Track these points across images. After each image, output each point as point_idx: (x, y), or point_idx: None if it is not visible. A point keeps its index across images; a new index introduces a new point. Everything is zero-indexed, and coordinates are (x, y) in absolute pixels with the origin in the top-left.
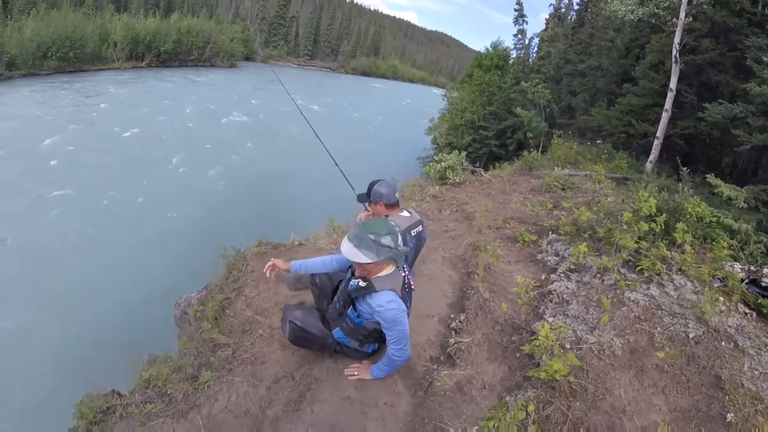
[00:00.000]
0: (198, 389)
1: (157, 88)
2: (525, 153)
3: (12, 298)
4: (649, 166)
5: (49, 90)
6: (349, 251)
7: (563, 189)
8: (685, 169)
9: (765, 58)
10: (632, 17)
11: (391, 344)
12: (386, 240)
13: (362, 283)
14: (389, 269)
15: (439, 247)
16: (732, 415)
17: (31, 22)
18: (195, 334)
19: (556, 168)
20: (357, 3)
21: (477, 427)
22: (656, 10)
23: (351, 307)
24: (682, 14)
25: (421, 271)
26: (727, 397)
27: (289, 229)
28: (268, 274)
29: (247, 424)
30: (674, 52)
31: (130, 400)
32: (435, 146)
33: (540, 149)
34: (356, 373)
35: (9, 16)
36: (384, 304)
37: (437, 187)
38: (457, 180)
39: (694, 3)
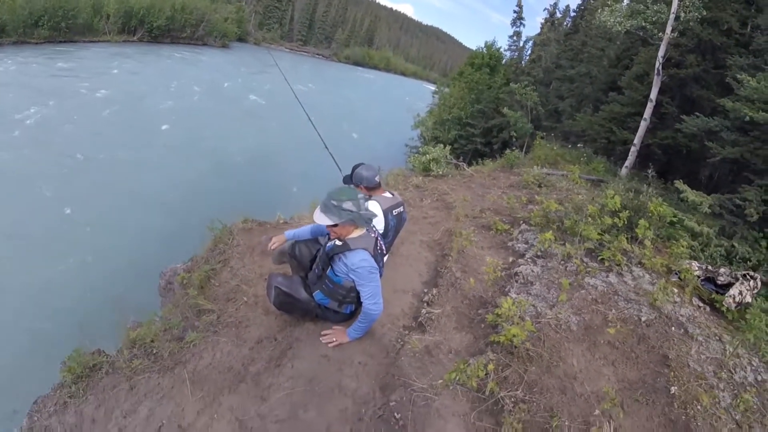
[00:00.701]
0: (184, 348)
1: (155, 64)
2: (508, 151)
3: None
4: (624, 170)
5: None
6: (317, 215)
7: (539, 186)
8: (653, 174)
9: (740, 77)
10: (620, 29)
11: (365, 299)
12: (347, 205)
13: (338, 242)
14: (360, 231)
15: (417, 231)
16: (676, 388)
17: None
18: (181, 301)
19: (535, 167)
20: None
21: (441, 380)
22: (644, 24)
23: (330, 267)
24: (668, 29)
25: (400, 252)
26: (672, 374)
27: (276, 208)
28: (271, 248)
29: (230, 378)
30: (657, 64)
31: (117, 358)
32: (421, 139)
33: (524, 149)
34: (334, 338)
35: None
36: (357, 262)
37: (420, 178)
38: (440, 172)
39: (682, 19)
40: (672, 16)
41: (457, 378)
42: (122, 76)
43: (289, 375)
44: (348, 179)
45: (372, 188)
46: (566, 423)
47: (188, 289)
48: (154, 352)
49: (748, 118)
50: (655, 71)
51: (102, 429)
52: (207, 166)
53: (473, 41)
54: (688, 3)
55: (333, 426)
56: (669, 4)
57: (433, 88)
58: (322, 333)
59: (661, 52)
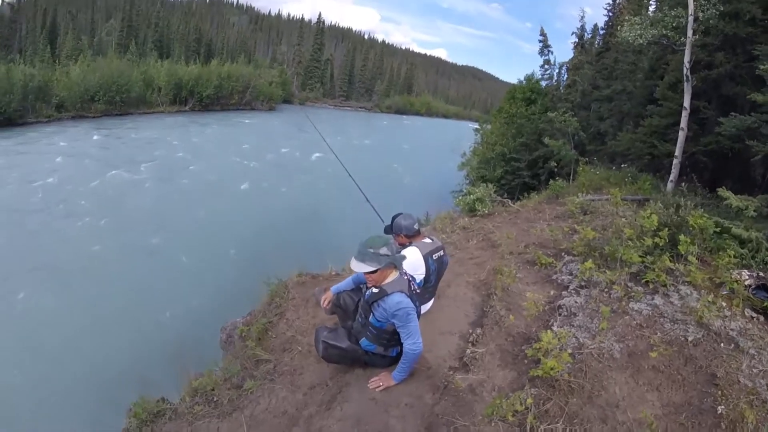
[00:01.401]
0: (242, 395)
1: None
2: (552, 182)
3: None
4: (670, 185)
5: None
6: (356, 266)
7: (584, 213)
8: (698, 184)
9: (764, 67)
10: (642, 41)
11: (405, 340)
12: (383, 250)
13: (375, 290)
14: (394, 275)
15: (463, 272)
16: (723, 407)
17: (78, 67)
18: (240, 352)
19: (579, 194)
20: (388, 43)
21: (481, 417)
22: (664, 32)
23: (371, 314)
24: (690, 32)
25: (446, 294)
26: (720, 392)
27: (327, 260)
28: (324, 305)
29: (284, 422)
30: (685, 70)
31: (179, 405)
32: (468, 180)
33: (571, 177)
34: (380, 383)
35: (57, 61)
36: (395, 304)
37: (467, 219)
38: (486, 211)
39: (701, 19)
40: (691, 18)
41: (494, 412)
42: (178, 143)
43: (338, 417)
44: (388, 229)
45: (411, 236)
46: None
47: (247, 341)
48: (215, 399)
49: None
50: (684, 78)
51: None
52: (261, 224)
53: (509, 74)
54: (703, 1)
55: None
56: (686, 7)
57: (475, 125)
58: (370, 380)
59: (687, 57)
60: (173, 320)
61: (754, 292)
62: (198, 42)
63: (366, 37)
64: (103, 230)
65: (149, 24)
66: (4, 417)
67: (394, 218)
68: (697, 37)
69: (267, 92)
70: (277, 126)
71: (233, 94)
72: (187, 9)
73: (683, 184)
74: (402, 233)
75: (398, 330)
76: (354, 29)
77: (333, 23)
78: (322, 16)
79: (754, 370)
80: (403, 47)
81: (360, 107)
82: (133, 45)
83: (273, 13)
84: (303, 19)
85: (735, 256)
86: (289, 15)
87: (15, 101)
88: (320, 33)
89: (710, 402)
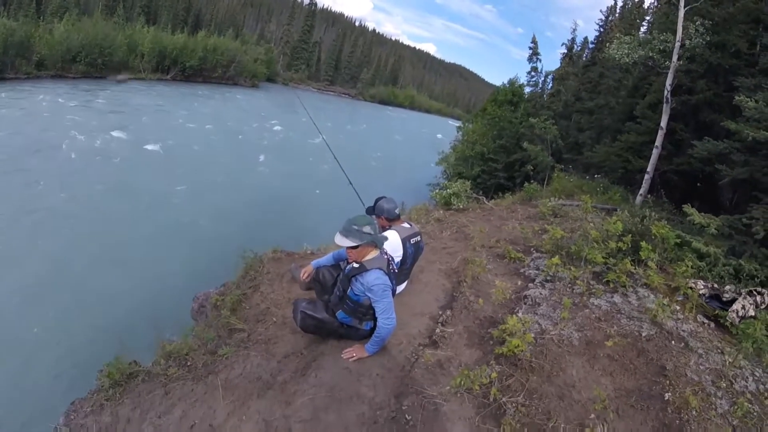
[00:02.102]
0: (216, 360)
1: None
2: (527, 185)
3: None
4: (639, 198)
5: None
6: (339, 240)
7: (555, 216)
8: (665, 200)
9: (739, 98)
10: (628, 60)
11: (379, 315)
12: (366, 229)
13: (356, 265)
14: (374, 253)
15: (436, 260)
16: (670, 394)
17: (63, 26)
18: (213, 321)
19: (552, 198)
20: (378, 32)
21: (449, 387)
22: (651, 54)
23: (349, 288)
24: (674, 57)
25: (419, 279)
26: (668, 382)
27: (302, 239)
28: (304, 278)
29: (259, 386)
30: (665, 93)
31: (153, 368)
32: (445, 175)
33: (545, 182)
34: (354, 354)
35: (42, 18)
36: (372, 280)
37: (442, 212)
38: (461, 206)
39: (687, 46)
40: (677, 44)
41: (462, 383)
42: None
43: (313, 383)
44: (371, 210)
45: (392, 219)
46: (562, 425)
47: (221, 310)
48: (189, 363)
49: (750, 138)
50: (664, 99)
51: (136, 428)
52: (240, 201)
53: (495, 77)
54: (692, 30)
55: (350, 428)
56: (674, 33)
57: (456, 124)
58: (344, 351)
59: (668, 81)
60: (143, 288)
61: (707, 300)
62: (186, 11)
63: (357, 24)
64: (77, 197)
65: None
66: None
67: (376, 201)
68: (681, 62)
69: (251, 69)
70: (264, 104)
71: (217, 68)
72: None
73: (649, 197)
74: (383, 216)
75: (373, 305)
76: (346, 15)
77: (325, 6)
78: None
79: (701, 367)
80: (393, 38)
81: (344, 93)
82: (120, 8)
83: None
84: None
85: (692, 267)
86: None
87: None
88: (311, 15)
89: (659, 389)
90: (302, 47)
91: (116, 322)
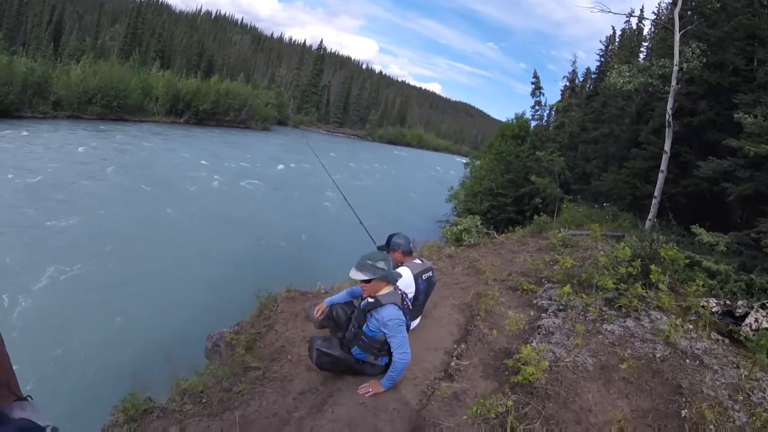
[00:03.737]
0: (232, 397)
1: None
2: (536, 217)
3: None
4: (648, 223)
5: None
6: (353, 273)
7: (565, 246)
8: (674, 223)
9: (738, 115)
10: (629, 87)
11: (395, 350)
12: (380, 264)
13: (371, 300)
14: (388, 288)
15: (449, 296)
16: (686, 411)
17: (80, 67)
18: (228, 359)
19: (562, 229)
20: (385, 74)
21: (465, 417)
22: (650, 80)
23: (365, 324)
24: (674, 81)
25: (432, 315)
26: (684, 400)
27: (316, 279)
28: (318, 316)
29: (275, 423)
30: (667, 117)
31: (168, 405)
32: (455, 212)
33: (555, 214)
34: (370, 389)
35: (59, 59)
36: (387, 315)
37: (453, 248)
38: (472, 241)
39: (686, 69)
40: (676, 68)
41: (479, 412)
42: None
43: (330, 419)
44: (384, 246)
45: (406, 254)
46: None
47: (236, 348)
48: (204, 400)
49: (752, 154)
50: (666, 123)
51: None
52: (253, 241)
53: (500, 113)
54: (689, 54)
55: None
56: (673, 57)
57: (464, 160)
58: (360, 386)
59: (669, 105)
60: (159, 327)
61: (720, 317)
62: (200, 56)
63: (364, 66)
64: (101, 234)
65: (153, 33)
66: None
67: (390, 237)
68: (680, 86)
69: (263, 112)
70: (276, 148)
71: (229, 111)
72: (191, 22)
73: (657, 221)
74: (399, 249)
75: (389, 340)
76: (353, 58)
77: (333, 51)
78: (323, 43)
79: (717, 383)
80: (399, 79)
81: (353, 135)
82: (136, 52)
83: (275, 36)
84: (305, 44)
85: (704, 286)
86: (290, 39)
87: (13, 93)
88: (320, 59)
89: (675, 407)
90: (311, 90)
91: (129, 360)
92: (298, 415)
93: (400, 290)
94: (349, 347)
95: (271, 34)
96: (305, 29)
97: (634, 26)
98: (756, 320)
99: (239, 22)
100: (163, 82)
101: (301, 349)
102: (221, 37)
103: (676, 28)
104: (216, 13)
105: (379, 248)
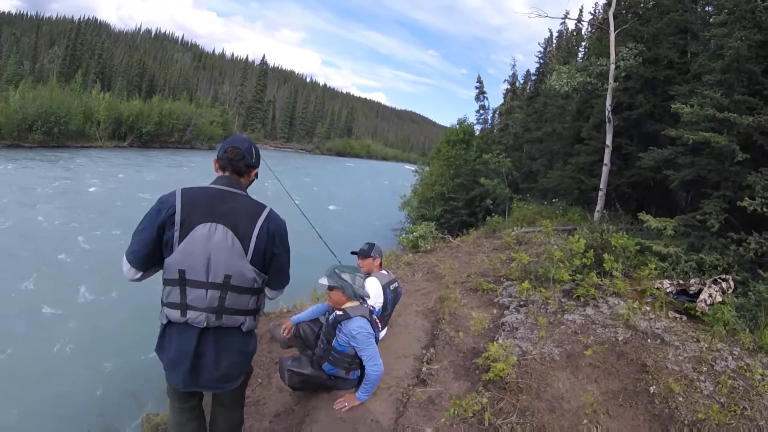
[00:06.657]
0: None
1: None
2: (489, 218)
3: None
4: (597, 215)
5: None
6: (321, 279)
7: (519, 244)
8: (622, 212)
9: (674, 106)
10: (567, 89)
11: (366, 362)
12: (345, 276)
13: (339, 312)
14: (355, 303)
15: (412, 303)
16: (654, 387)
17: (18, 93)
18: None
19: (515, 228)
20: (329, 86)
21: (443, 419)
22: (589, 79)
23: (334, 338)
24: (611, 79)
25: (398, 323)
26: (650, 377)
27: (278, 299)
28: (285, 335)
29: None
30: (607, 113)
31: None
32: (409, 219)
33: (506, 213)
34: (346, 403)
35: None
36: (356, 327)
37: (411, 255)
38: (428, 247)
39: (622, 67)
40: (612, 66)
41: (456, 412)
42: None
43: None
44: (366, 252)
45: (380, 263)
46: None
47: None
48: None
49: (691, 142)
50: (606, 119)
51: None
52: None
53: (445, 118)
54: (625, 52)
55: None
56: (609, 56)
57: (412, 167)
58: (336, 402)
59: (608, 101)
60: (122, 358)
61: (675, 296)
62: (141, 76)
63: (308, 80)
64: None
65: (92, 54)
66: None
67: (372, 245)
68: (618, 83)
69: (208, 131)
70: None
71: (173, 132)
72: (131, 42)
73: (605, 212)
74: (379, 258)
75: (359, 354)
76: (296, 72)
77: (276, 65)
78: (266, 58)
79: (680, 357)
80: (344, 91)
81: (301, 149)
82: (78, 75)
83: (217, 52)
84: (247, 59)
85: (656, 269)
86: (233, 55)
87: None
88: (263, 74)
89: (643, 385)
90: (256, 107)
91: (93, 402)
92: None
93: (368, 305)
94: (319, 364)
95: (213, 51)
96: (245, 44)
97: (571, 27)
98: (710, 295)
99: (179, 39)
100: (105, 105)
101: (270, 371)
102: (162, 55)
103: (611, 28)
104: (156, 31)
105: (363, 252)
